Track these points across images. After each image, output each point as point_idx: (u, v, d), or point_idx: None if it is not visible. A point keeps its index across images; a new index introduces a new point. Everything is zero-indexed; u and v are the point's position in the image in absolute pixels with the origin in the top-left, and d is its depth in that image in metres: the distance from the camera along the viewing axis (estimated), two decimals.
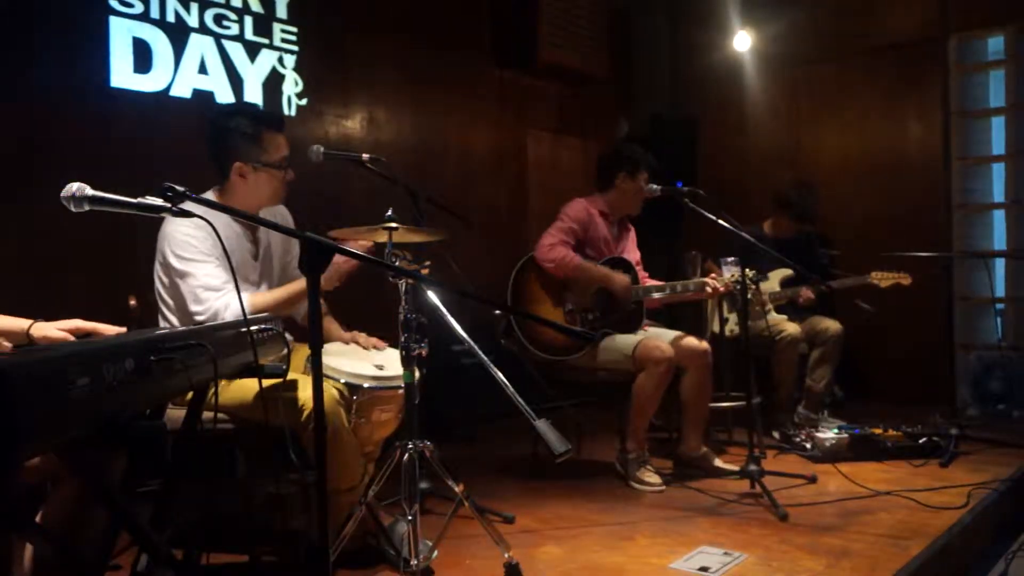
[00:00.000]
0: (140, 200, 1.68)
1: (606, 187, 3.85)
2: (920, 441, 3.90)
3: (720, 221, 3.36)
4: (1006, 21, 5.29)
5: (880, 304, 4.39)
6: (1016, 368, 5.04)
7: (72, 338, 1.78)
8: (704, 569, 2.52)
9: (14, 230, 3.20)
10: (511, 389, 2.30)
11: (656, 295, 3.69)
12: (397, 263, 2.45)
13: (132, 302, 2.51)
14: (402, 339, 2.46)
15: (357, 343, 2.85)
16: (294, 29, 4.45)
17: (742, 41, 6.09)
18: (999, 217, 5.51)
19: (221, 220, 2.45)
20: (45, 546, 1.64)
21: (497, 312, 3.73)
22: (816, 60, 5.89)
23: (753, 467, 3.25)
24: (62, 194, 1.63)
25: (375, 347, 2.82)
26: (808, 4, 5.86)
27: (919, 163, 5.53)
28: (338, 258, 2.44)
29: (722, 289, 3.56)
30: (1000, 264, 5.37)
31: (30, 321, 1.82)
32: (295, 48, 4.45)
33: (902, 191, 5.50)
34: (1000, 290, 5.32)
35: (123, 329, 1.88)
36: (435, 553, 2.54)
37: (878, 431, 3.95)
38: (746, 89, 6.22)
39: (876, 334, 4.92)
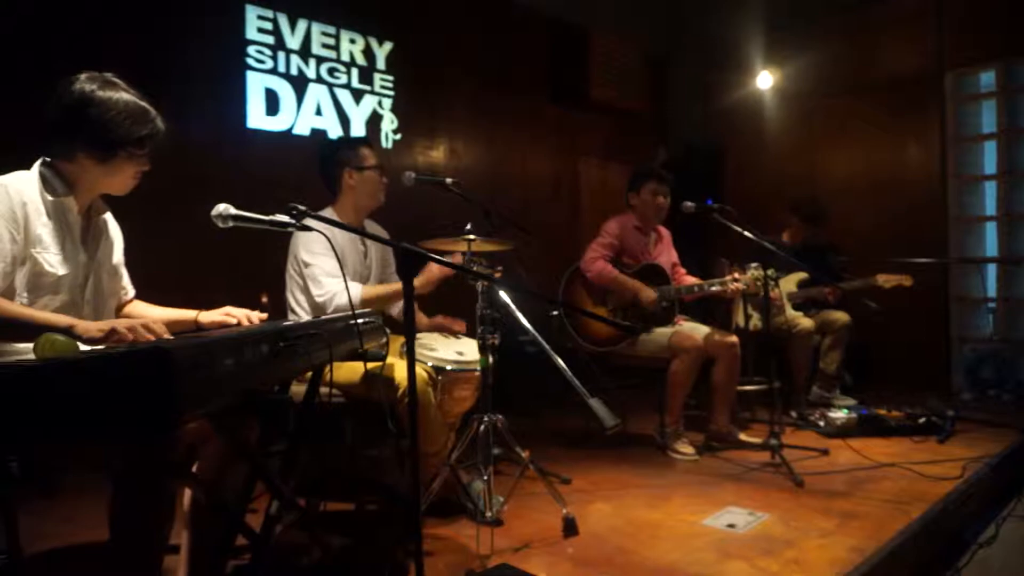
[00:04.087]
0: (271, 217, 1.74)
1: (629, 205, 3.83)
2: (920, 421, 3.75)
3: (745, 232, 3.29)
4: (997, 57, 5.06)
5: (885, 303, 4.23)
6: (1005, 358, 4.83)
7: (232, 320, 1.86)
8: (731, 526, 2.47)
9: (173, 244, 3.33)
10: (569, 373, 2.31)
11: (686, 294, 3.63)
12: (475, 268, 2.47)
13: (264, 299, 2.59)
14: (479, 331, 2.49)
15: (440, 325, 2.88)
16: (391, 78, 4.52)
17: (764, 80, 5.96)
18: (991, 228, 5.26)
19: (337, 232, 2.53)
20: (199, 492, 1.69)
21: (554, 313, 3.71)
22: (829, 94, 5.71)
23: (773, 441, 3.17)
24: (211, 213, 1.68)
25: (455, 327, 2.86)
26: (822, 45, 5.69)
27: (919, 181, 5.31)
28: (432, 266, 2.51)
29: (742, 286, 3.46)
30: (992, 269, 5.16)
31: (197, 311, 1.92)
32: (391, 93, 4.52)
33: (903, 206, 5.30)
34: (991, 291, 5.13)
35: (263, 316, 1.96)
36: (505, 507, 2.56)
37: (883, 412, 3.81)
38: (766, 120, 6.07)
39: (882, 329, 4.72)
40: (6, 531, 1.51)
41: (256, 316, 1.90)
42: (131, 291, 2.03)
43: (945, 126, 5.25)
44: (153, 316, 1.92)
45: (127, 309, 1.97)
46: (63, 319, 1.51)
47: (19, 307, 1.57)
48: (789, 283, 4.36)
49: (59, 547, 2.29)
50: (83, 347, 1.58)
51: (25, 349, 1.53)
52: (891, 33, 5.43)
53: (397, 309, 2.96)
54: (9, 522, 1.52)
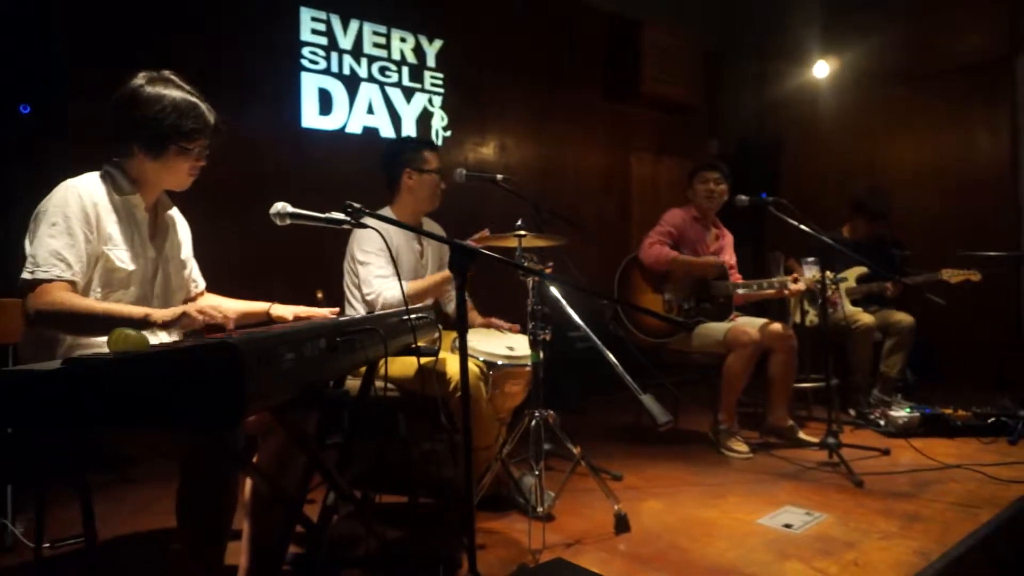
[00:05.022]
0: (328, 215, 1.77)
1: (689, 200, 3.80)
2: (989, 421, 3.59)
3: (802, 226, 3.21)
4: None
5: (953, 298, 4.07)
6: None
7: (293, 317, 1.91)
8: (788, 526, 2.43)
9: (231, 240, 3.44)
10: (620, 368, 2.29)
11: (743, 291, 3.58)
12: (525, 263, 2.48)
13: (319, 295, 2.65)
14: (530, 326, 2.50)
15: (493, 325, 2.91)
16: (441, 75, 4.57)
17: (821, 69, 5.80)
18: None
19: (393, 229, 2.58)
20: (260, 481, 1.74)
21: (605, 303, 3.72)
22: (890, 82, 5.52)
23: (831, 439, 3.09)
24: (270, 211, 1.72)
25: (509, 329, 2.88)
26: (882, 31, 5.50)
27: (989, 172, 5.10)
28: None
29: (803, 288, 3.43)
30: None
31: (269, 304, 1.96)
32: (441, 90, 4.57)
33: (972, 198, 5.10)
34: None
35: (336, 310, 1.99)
36: (556, 502, 2.57)
37: (948, 410, 3.66)
38: (823, 111, 5.91)
39: (949, 325, 4.56)
40: (83, 517, 1.60)
41: (328, 312, 1.96)
42: (201, 283, 2.10)
43: (1017, 113, 5.02)
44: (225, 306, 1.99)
45: (198, 301, 2.04)
46: (138, 309, 1.58)
47: (95, 302, 1.65)
48: (849, 279, 4.24)
49: (131, 533, 2.40)
50: (157, 335, 1.65)
51: (100, 343, 1.61)
52: (958, 15, 5.21)
53: (451, 306, 2.99)
54: (85, 509, 1.61)
